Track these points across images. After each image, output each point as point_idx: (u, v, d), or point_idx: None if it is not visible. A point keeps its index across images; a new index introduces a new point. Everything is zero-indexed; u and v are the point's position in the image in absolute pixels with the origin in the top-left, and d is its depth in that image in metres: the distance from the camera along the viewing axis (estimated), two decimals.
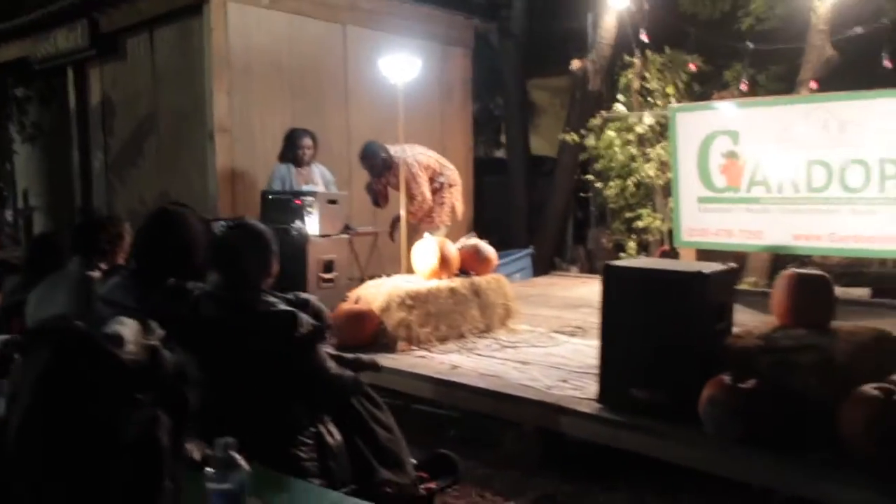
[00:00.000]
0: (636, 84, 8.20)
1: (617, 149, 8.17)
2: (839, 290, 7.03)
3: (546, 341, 5.38)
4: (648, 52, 8.04)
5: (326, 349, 2.86)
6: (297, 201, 5.53)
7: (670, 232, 7.54)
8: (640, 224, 8.16)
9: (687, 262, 4.41)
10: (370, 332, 5.17)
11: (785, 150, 6.54)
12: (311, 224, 5.45)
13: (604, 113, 8.31)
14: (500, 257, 8.29)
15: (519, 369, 4.68)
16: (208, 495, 1.57)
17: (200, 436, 2.46)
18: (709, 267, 3.75)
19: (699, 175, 7.06)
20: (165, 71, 7.74)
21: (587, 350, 4.81)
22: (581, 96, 8.74)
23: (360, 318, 5.19)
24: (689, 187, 7.15)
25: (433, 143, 7.33)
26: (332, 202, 5.67)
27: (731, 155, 6.84)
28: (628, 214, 8.33)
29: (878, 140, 6.05)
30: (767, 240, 6.80)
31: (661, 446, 3.58)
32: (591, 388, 4.10)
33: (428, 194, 6.34)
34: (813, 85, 6.98)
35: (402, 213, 6.10)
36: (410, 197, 6.21)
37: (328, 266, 5.55)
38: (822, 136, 6.33)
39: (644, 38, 7.73)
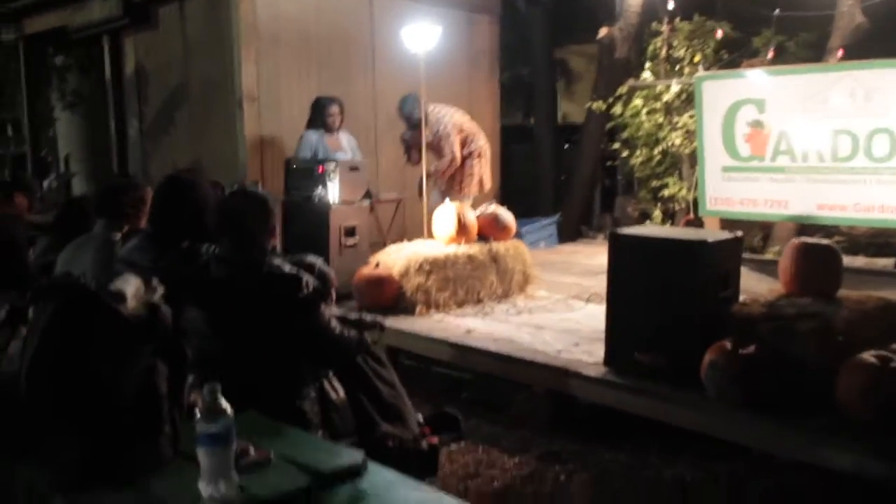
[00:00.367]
0: (664, 52, 8.13)
1: (644, 117, 8.13)
2: (863, 261, 7.06)
3: (562, 307, 5.47)
4: (677, 20, 7.96)
5: (331, 310, 2.98)
6: (320, 169, 5.64)
7: (696, 201, 7.53)
8: (665, 193, 8.14)
9: (693, 231, 4.44)
10: (390, 296, 5.31)
11: (811, 119, 6.48)
12: (333, 191, 5.57)
13: (631, 81, 8.26)
14: (526, 224, 8.41)
15: (532, 334, 4.78)
16: (197, 437, 1.70)
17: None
18: (714, 235, 3.80)
19: (724, 144, 7.03)
20: (196, 40, 7.87)
21: (601, 316, 4.83)
22: (608, 64, 8.70)
23: (380, 283, 5.32)
24: (714, 156, 7.13)
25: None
26: (354, 169, 5.78)
27: (757, 124, 6.79)
28: (654, 183, 8.31)
29: None
30: (792, 210, 6.76)
31: (664, 409, 3.66)
32: (601, 352, 4.17)
33: (458, 153, 6.42)
34: (840, 53, 6.87)
35: (424, 172, 6.19)
36: (439, 154, 6.30)
37: (350, 232, 5.68)
38: (849, 105, 6.26)
39: (671, 5, 7.64)
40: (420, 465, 3.19)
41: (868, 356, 3.24)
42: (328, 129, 6.31)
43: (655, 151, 8.16)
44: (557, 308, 5.44)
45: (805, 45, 7.81)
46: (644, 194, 8.55)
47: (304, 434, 2.18)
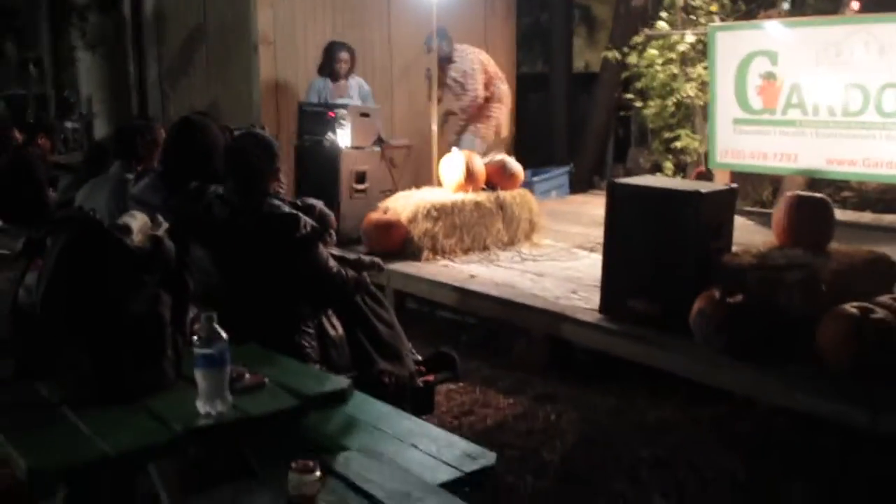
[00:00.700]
0: (681, 1, 8.07)
1: (658, 67, 8.11)
2: (871, 216, 7.10)
3: (566, 256, 5.58)
4: None
5: (330, 250, 3.12)
6: (331, 114, 5.74)
7: (707, 153, 7.56)
8: (678, 144, 8.15)
9: (690, 182, 4.52)
10: (397, 242, 5.45)
11: (823, 73, 6.47)
12: (343, 136, 5.67)
13: (646, 30, 8.22)
14: (538, 174, 8.49)
15: (534, 280, 4.92)
16: (195, 358, 1.86)
17: None
18: (708, 186, 3.89)
19: (736, 96, 7.04)
20: None
21: None
22: (625, 12, 8.65)
23: (388, 228, 5.46)
24: (725, 108, 7.14)
25: None
26: (365, 115, 5.87)
27: (769, 76, 6.79)
28: (667, 134, 8.31)
29: None
30: (801, 163, 6.80)
31: (652, 354, 3.80)
32: (598, 299, 4.30)
33: (481, 91, 6.49)
34: (855, 5, 6.80)
35: (434, 112, 6.27)
36: (464, 92, 6.38)
37: (360, 177, 5.79)
38: (862, 59, 6.24)
39: None
40: (416, 402, 3.37)
41: (849, 306, 3.34)
42: (335, 75, 6.40)
43: (669, 102, 8.13)
44: (561, 256, 5.56)
45: None
46: (657, 146, 8.56)
47: (298, 364, 2.35)
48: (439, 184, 5.92)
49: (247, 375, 2.07)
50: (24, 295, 2.32)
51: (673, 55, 8.04)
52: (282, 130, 7.28)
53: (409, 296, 5.39)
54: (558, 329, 4.24)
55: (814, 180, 7.43)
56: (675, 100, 8.07)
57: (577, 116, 9.90)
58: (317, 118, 5.89)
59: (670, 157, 8.30)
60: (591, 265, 5.24)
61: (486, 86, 6.58)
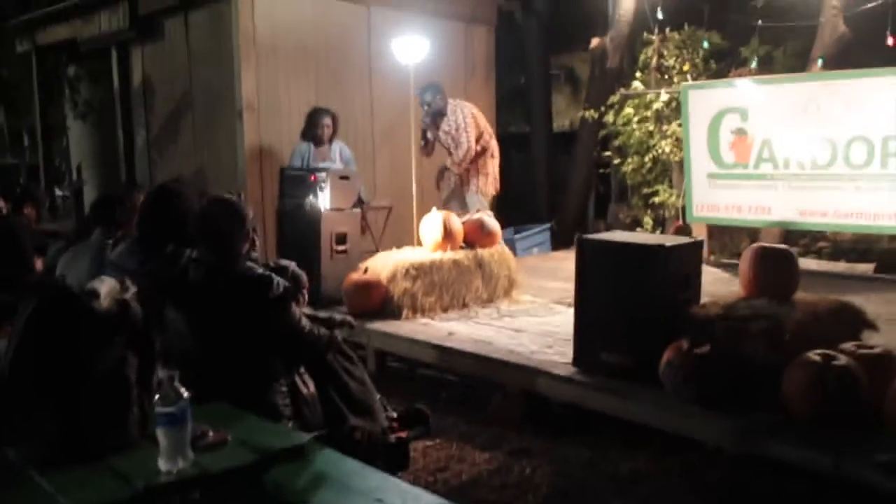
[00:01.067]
0: (654, 61, 8.33)
1: (635, 125, 8.33)
2: (844, 266, 7.22)
3: (544, 311, 5.67)
4: (667, 30, 8.16)
5: (302, 309, 3.20)
6: (312, 177, 5.87)
7: (685, 208, 7.72)
8: (656, 200, 8.33)
9: (654, 236, 4.64)
10: (377, 301, 5.53)
11: (792, 127, 6.68)
12: (324, 199, 5.79)
13: (622, 90, 8.46)
14: (519, 231, 8.63)
15: (511, 336, 4.99)
16: (156, 417, 1.92)
17: (185, 382, 2.84)
18: (674, 240, 4.00)
19: (709, 151, 7.24)
20: (199, 52, 8.15)
21: None
22: (600, 73, 8.91)
23: (368, 288, 5.54)
24: (700, 163, 7.33)
25: None
26: (344, 178, 6.01)
27: (740, 132, 7.00)
28: (645, 190, 8.50)
29: (882, 118, 6.16)
30: (775, 216, 6.96)
31: (624, 406, 3.86)
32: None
33: (473, 143, 6.64)
34: (819, 63, 7.05)
35: (412, 166, 6.40)
36: (456, 146, 6.52)
37: (341, 238, 5.90)
38: (828, 114, 6.45)
39: (660, 15, 7.84)
40: (390, 458, 3.41)
41: (812, 354, 3.42)
42: (318, 140, 6.56)
43: (646, 159, 8.35)
44: (539, 312, 5.64)
45: (792, 54, 7.99)
46: (636, 201, 8.74)
47: (262, 421, 2.39)
48: (420, 243, 6.04)
49: (210, 433, 2.13)
50: None
51: (648, 113, 8.28)
52: (265, 194, 7.43)
53: (389, 354, 5.44)
54: (533, 384, 4.30)
55: (789, 232, 7.58)
56: (651, 156, 8.29)
57: (558, 174, 10.12)
58: (298, 181, 6.02)
59: (649, 212, 8.47)
60: (567, 320, 5.25)
61: (477, 139, 6.74)
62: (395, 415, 3.64)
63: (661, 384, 3.77)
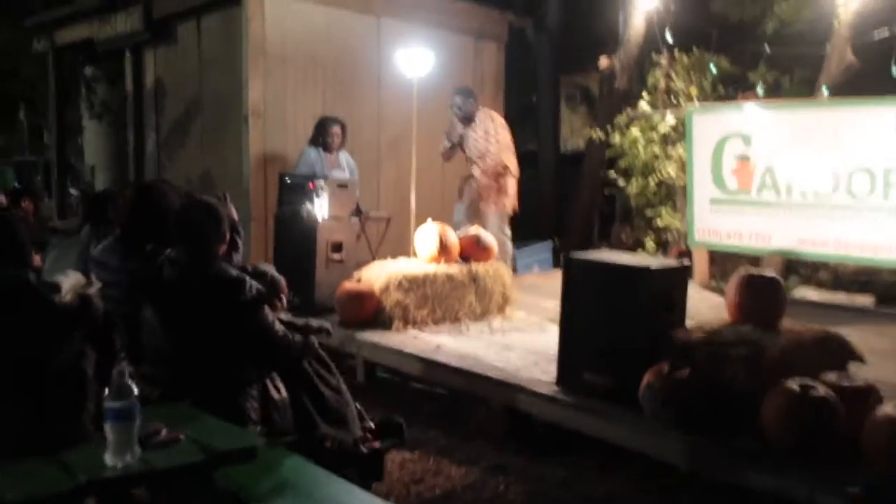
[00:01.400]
0: (662, 83, 8.32)
1: (640, 147, 8.30)
2: (844, 297, 7.15)
3: (535, 329, 5.65)
4: (677, 52, 8.15)
5: (279, 315, 3.21)
6: (311, 185, 5.90)
7: (687, 232, 7.67)
8: (660, 223, 8.29)
9: (642, 257, 4.62)
10: (369, 311, 5.53)
11: (794, 155, 6.63)
12: (321, 207, 5.81)
13: (629, 111, 8.45)
14: (521, 248, 8.61)
15: (498, 353, 4.97)
16: (104, 413, 1.93)
17: (155, 382, 2.86)
18: (658, 262, 3.99)
19: (712, 176, 7.20)
20: (210, 57, 8.22)
21: None
22: (608, 93, 8.91)
23: (360, 298, 5.55)
24: (702, 188, 7.30)
25: None
26: (343, 187, 6.03)
27: (743, 157, 6.96)
28: (649, 212, 8.47)
29: (885, 149, 6.11)
30: (775, 243, 6.90)
31: (602, 427, 3.84)
32: None
33: (500, 156, 6.69)
34: (824, 91, 7.02)
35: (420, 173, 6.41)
36: (482, 154, 6.54)
37: (336, 247, 5.92)
38: (831, 142, 6.41)
39: (669, 38, 7.84)
40: (363, 469, 3.41)
41: (792, 383, 3.39)
42: (327, 147, 6.59)
43: (651, 181, 8.32)
44: (530, 329, 5.62)
45: (801, 81, 7.95)
46: (639, 223, 8.71)
47: (220, 423, 2.39)
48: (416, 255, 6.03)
49: (164, 431, 2.14)
50: None
51: (654, 135, 8.25)
52: (269, 200, 7.46)
53: (379, 365, 5.44)
54: (516, 401, 4.28)
55: (790, 260, 7.52)
56: (656, 179, 8.25)
57: (566, 194, 10.10)
58: (296, 189, 6.05)
59: (652, 234, 8.43)
60: (557, 339, 5.30)
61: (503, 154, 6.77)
62: (372, 425, 3.65)
63: (642, 407, 3.74)
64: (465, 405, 4.79)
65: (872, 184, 6.19)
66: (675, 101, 8.28)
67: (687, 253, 7.79)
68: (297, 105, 7.70)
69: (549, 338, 5.34)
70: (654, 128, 8.26)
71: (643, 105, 8.33)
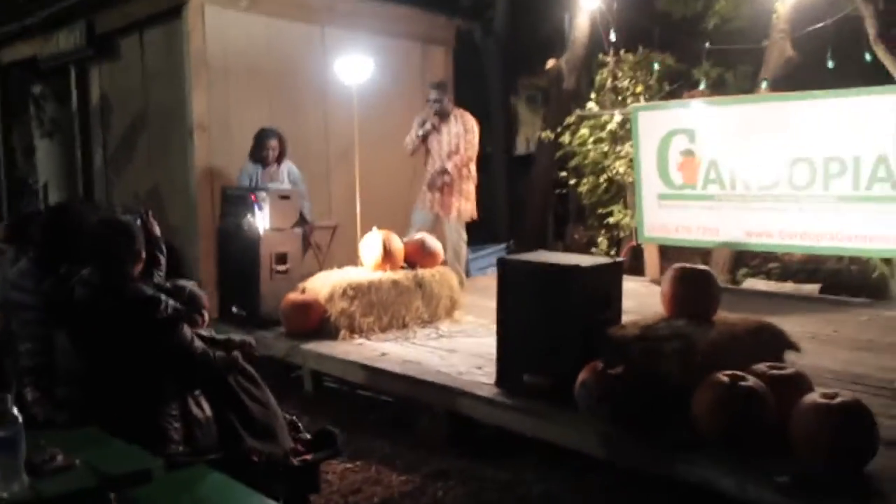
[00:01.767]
0: (609, 82, 8.37)
1: (590, 146, 8.35)
2: (791, 286, 7.24)
3: (483, 332, 5.60)
4: (622, 52, 8.21)
5: (199, 331, 3.16)
6: (252, 196, 5.84)
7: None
8: (611, 220, 8.34)
9: (575, 256, 4.62)
10: (315, 321, 5.48)
11: (737, 149, 6.71)
12: (263, 219, 5.75)
13: (578, 111, 8.49)
14: (475, 251, 8.60)
15: (443, 357, 4.95)
16: None
17: (68, 405, 2.80)
18: (592, 260, 3.99)
19: (659, 172, 7.26)
20: (154, 71, 8.12)
21: None
22: (556, 95, 8.95)
23: (305, 308, 5.50)
24: (650, 184, 7.35)
25: None
26: (285, 198, 5.97)
27: (688, 153, 7.03)
28: (601, 210, 8.51)
29: (824, 139, 6.20)
30: (723, 236, 6.97)
31: (541, 427, 3.83)
32: None
33: (471, 155, 6.68)
34: (764, 85, 7.10)
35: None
36: (455, 150, 6.59)
37: (281, 258, 5.85)
38: (772, 135, 6.49)
39: (612, 37, 7.89)
40: (296, 481, 3.36)
41: (721, 375, 3.40)
42: (264, 161, 6.52)
43: (601, 179, 8.36)
44: (478, 333, 5.59)
45: (743, 76, 8.05)
46: (592, 222, 8.75)
47: (123, 446, 2.34)
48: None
49: (59, 457, 2.08)
50: None
51: (603, 134, 8.31)
52: (216, 214, 7.37)
53: (326, 375, 5.39)
54: (456, 404, 4.26)
55: (739, 252, 7.60)
56: (606, 177, 8.30)
57: (519, 195, 10.12)
58: (238, 201, 5.98)
59: (604, 232, 8.47)
60: None
61: (468, 158, 6.75)
62: (308, 436, 3.60)
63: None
64: (411, 412, 4.75)
65: (813, 174, 6.28)
66: (621, 100, 8.34)
67: (639, 248, 7.85)
68: (242, 118, 7.62)
69: (494, 341, 5.34)
70: (602, 126, 8.31)
71: (591, 104, 8.38)
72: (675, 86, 8.13)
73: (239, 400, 3.19)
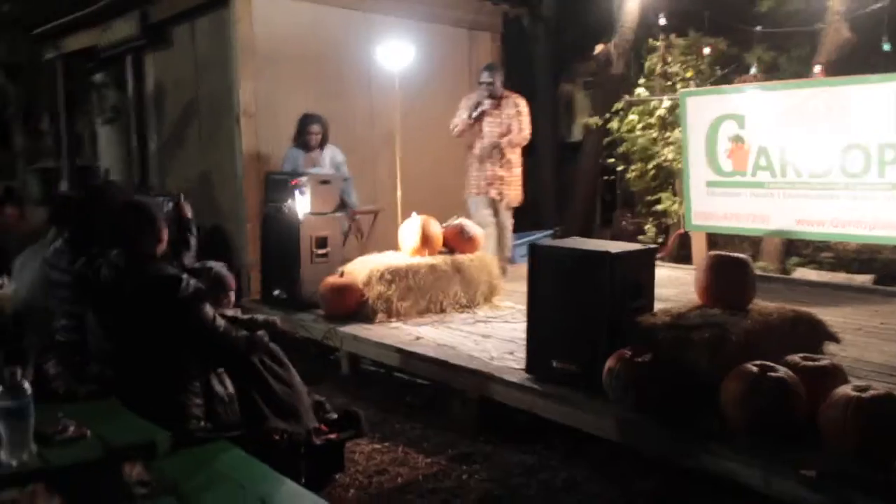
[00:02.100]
0: (659, 68, 8.22)
1: (638, 132, 8.23)
2: (844, 277, 7.01)
3: (520, 318, 5.52)
4: (672, 36, 8.05)
5: (223, 311, 3.21)
6: (293, 182, 5.90)
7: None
8: (659, 208, 8.20)
9: (607, 243, 4.54)
10: (353, 304, 5.53)
11: (788, 135, 6.52)
12: (303, 203, 5.81)
13: (626, 96, 8.36)
14: (519, 238, 8.55)
15: (477, 342, 4.94)
16: None
17: (100, 381, 2.88)
18: (619, 247, 3.93)
19: (707, 159, 7.10)
20: (204, 59, 8.26)
21: None
22: (604, 80, 8.80)
23: (343, 291, 5.55)
24: (698, 171, 7.20)
25: None
26: (325, 183, 6.03)
27: (738, 139, 6.86)
28: (649, 198, 8.38)
29: (878, 125, 5.98)
30: (773, 224, 6.79)
31: (568, 413, 3.80)
32: None
33: (527, 134, 6.74)
34: (818, 69, 6.87)
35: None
36: (511, 130, 6.66)
37: (321, 242, 5.91)
38: (824, 121, 6.29)
39: (662, 21, 7.74)
40: (320, 460, 3.41)
41: (750, 365, 3.32)
42: (307, 146, 6.59)
43: (650, 166, 8.24)
44: (516, 318, 5.55)
45: (797, 60, 7.81)
46: (640, 209, 8.62)
47: (134, 419, 2.39)
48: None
49: (71, 428, 2.15)
50: None
51: (652, 120, 8.17)
52: (262, 200, 7.48)
53: (363, 358, 5.44)
54: (487, 389, 4.25)
55: (790, 241, 7.39)
56: (655, 163, 8.16)
57: (567, 182, 10.02)
58: (281, 186, 6.06)
59: (652, 219, 8.34)
60: None
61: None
62: (334, 416, 3.64)
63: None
64: (445, 396, 4.76)
65: (867, 161, 6.06)
66: (671, 85, 8.19)
67: (686, 236, 7.71)
68: (288, 104, 7.69)
69: None
70: (651, 112, 8.18)
71: (640, 90, 8.24)
72: (727, 70, 7.94)
73: (263, 379, 3.24)
